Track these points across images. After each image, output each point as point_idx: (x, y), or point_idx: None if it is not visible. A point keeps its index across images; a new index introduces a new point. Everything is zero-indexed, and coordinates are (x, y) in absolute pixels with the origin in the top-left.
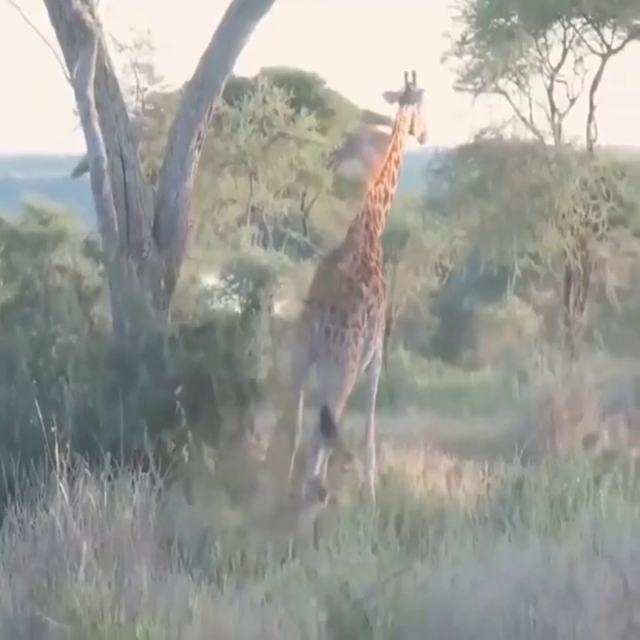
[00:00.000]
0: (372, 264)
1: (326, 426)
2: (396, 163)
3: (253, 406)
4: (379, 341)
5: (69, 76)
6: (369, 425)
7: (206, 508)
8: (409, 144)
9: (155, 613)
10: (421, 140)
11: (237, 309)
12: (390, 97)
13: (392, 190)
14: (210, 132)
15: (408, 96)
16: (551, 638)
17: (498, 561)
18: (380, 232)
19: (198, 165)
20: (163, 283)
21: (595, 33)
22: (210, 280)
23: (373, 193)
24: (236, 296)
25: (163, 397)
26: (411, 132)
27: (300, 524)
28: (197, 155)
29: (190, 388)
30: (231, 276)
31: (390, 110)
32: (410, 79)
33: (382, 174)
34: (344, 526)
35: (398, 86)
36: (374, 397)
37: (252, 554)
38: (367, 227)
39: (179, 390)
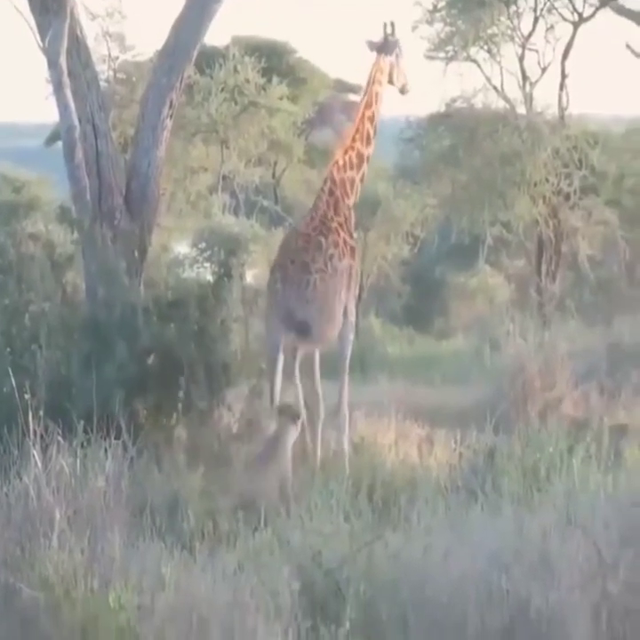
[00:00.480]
0: (334, 225)
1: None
2: (371, 120)
3: (225, 376)
4: (350, 305)
5: (42, 45)
6: (342, 391)
7: (178, 476)
8: (386, 97)
9: (127, 580)
10: (402, 90)
11: (209, 278)
12: (371, 45)
13: (368, 151)
14: (181, 101)
15: (385, 46)
16: (524, 608)
17: (470, 530)
18: (352, 199)
19: (170, 134)
20: (135, 251)
21: (566, 1)
22: (181, 248)
23: (340, 162)
24: (207, 264)
25: (136, 367)
26: (390, 82)
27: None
28: (169, 123)
29: (163, 358)
30: (203, 245)
31: (362, 79)
32: (388, 30)
33: (353, 139)
34: (316, 495)
35: (377, 37)
36: (347, 363)
37: (224, 522)
38: (331, 193)
39: (151, 360)
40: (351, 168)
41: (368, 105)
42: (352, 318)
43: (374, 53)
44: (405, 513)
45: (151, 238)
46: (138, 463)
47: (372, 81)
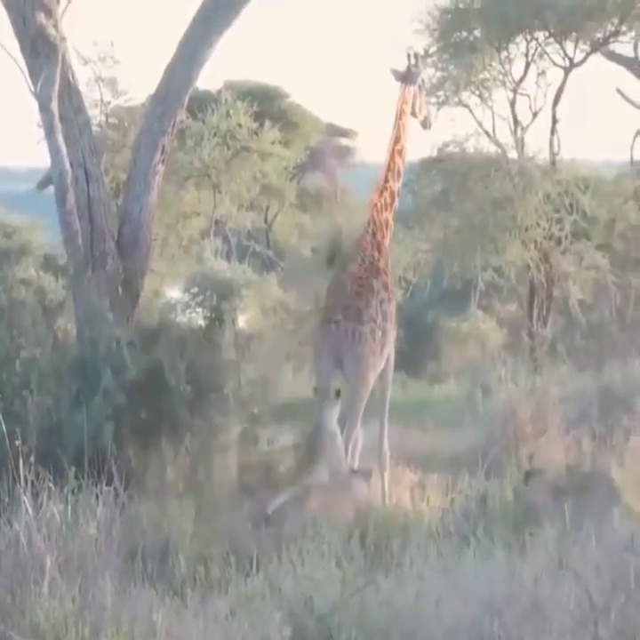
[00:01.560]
0: (381, 265)
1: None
2: (400, 153)
3: (219, 420)
4: (392, 340)
5: (33, 89)
6: (383, 429)
7: (170, 522)
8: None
9: (119, 628)
10: (424, 123)
11: (201, 323)
12: (396, 75)
13: (399, 185)
14: (173, 146)
15: (409, 76)
16: None
17: (462, 576)
18: (387, 241)
19: (162, 178)
20: (127, 296)
21: (557, 46)
22: (174, 293)
23: (379, 204)
24: (199, 309)
25: (124, 399)
26: (413, 114)
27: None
28: (161, 168)
29: (154, 402)
30: (195, 290)
31: (354, 123)
32: (412, 60)
33: (386, 178)
34: (308, 540)
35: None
36: (387, 403)
37: (216, 568)
38: (374, 235)
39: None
40: (386, 209)
41: (397, 139)
42: (393, 357)
43: (398, 84)
44: (397, 558)
45: (143, 283)
46: (129, 509)
47: (398, 114)
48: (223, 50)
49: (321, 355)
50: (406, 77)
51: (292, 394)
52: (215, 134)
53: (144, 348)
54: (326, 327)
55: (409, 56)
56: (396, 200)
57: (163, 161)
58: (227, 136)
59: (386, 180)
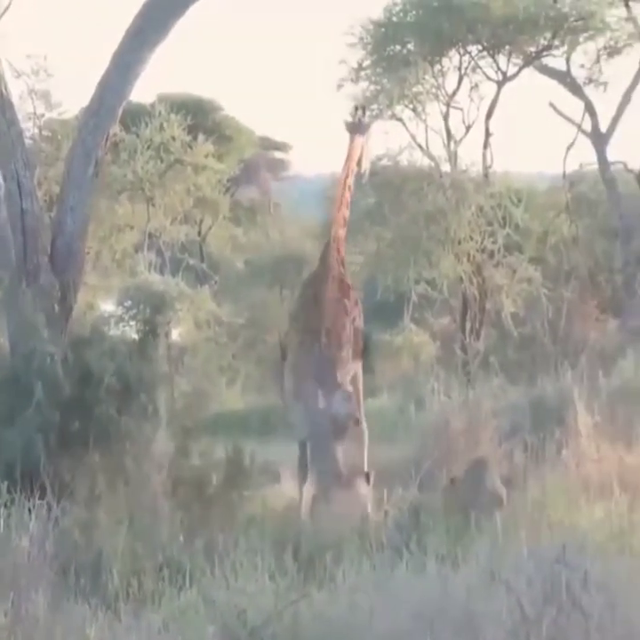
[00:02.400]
0: (348, 281)
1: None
2: (350, 189)
3: (151, 433)
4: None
5: None
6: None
7: (102, 536)
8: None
9: None
10: (364, 175)
11: (135, 335)
12: (347, 125)
13: (347, 214)
14: (107, 159)
15: (360, 127)
16: None
17: (395, 588)
18: (343, 256)
19: (95, 192)
20: (60, 309)
21: (490, 60)
22: (107, 306)
23: (340, 220)
24: (133, 323)
25: (56, 413)
26: (357, 164)
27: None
28: (94, 181)
29: (86, 415)
30: (128, 303)
31: (286, 136)
32: (359, 112)
33: (341, 202)
34: (241, 553)
35: (349, 116)
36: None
37: (149, 581)
38: (338, 251)
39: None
40: (342, 227)
41: (347, 175)
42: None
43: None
44: (331, 571)
45: (76, 296)
46: (62, 522)
47: (350, 157)
48: (157, 62)
49: (306, 377)
50: (357, 128)
51: (224, 406)
52: (149, 147)
53: (76, 361)
54: (310, 350)
55: (356, 108)
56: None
57: (96, 174)
58: (160, 149)
59: (340, 203)
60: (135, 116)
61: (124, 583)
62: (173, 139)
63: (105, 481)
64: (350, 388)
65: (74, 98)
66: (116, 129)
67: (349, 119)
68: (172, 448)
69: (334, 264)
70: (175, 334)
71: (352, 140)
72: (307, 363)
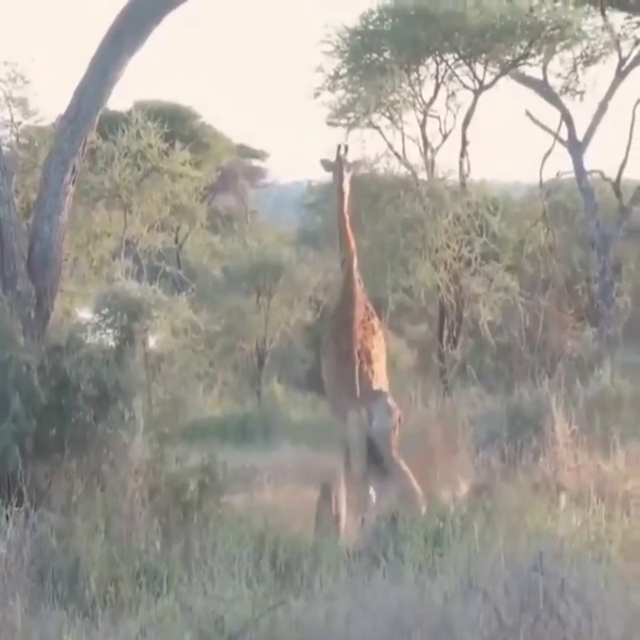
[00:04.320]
0: (370, 305)
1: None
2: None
3: (128, 440)
4: None
5: None
6: None
7: (79, 542)
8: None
9: None
10: None
11: (112, 343)
12: (327, 165)
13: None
14: (84, 166)
15: (348, 166)
16: None
17: (372, 596)
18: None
19: (73, 199)
20: (37, 316)
21: (467, 68)
22: (84, 314)
23: (353, 246)
24: (110, 330)
25: (32, 423)
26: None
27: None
28: (71, 188)
29: (63, 423)
30: (105, 310)
31: (264, 144)
32: (342, 151)
33: (349, 237)
34: (218, 560)
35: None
36: None
37: (126, 588)
38: (359, 280)
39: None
40: (355, 256)
41: (347, 210)
42: None
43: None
44: (308, 578)
45: (53, 303)
46: (40, 529)
47: (345, 193)
48: (134, 70)
49: (346, 390)
50: (343, 166)
51: (202, 413)
52: (126, 155)
53: (53, 369)
54: (350, 365)
55: (339, 146)
56: None
57: (73, 181)
58: (137, 156)
59: (349, 239)
60: (112, 124)
61: (101, 590)
62: (150, 146)
63: (82, 488)
64: (390, 399)
65: (51, 105)
66: (93, 136)
67: (330, 158)
68: (149, 455)
69: (359, 292)
70: (152, 342)
71: (341, 178)
72: (346, 381)
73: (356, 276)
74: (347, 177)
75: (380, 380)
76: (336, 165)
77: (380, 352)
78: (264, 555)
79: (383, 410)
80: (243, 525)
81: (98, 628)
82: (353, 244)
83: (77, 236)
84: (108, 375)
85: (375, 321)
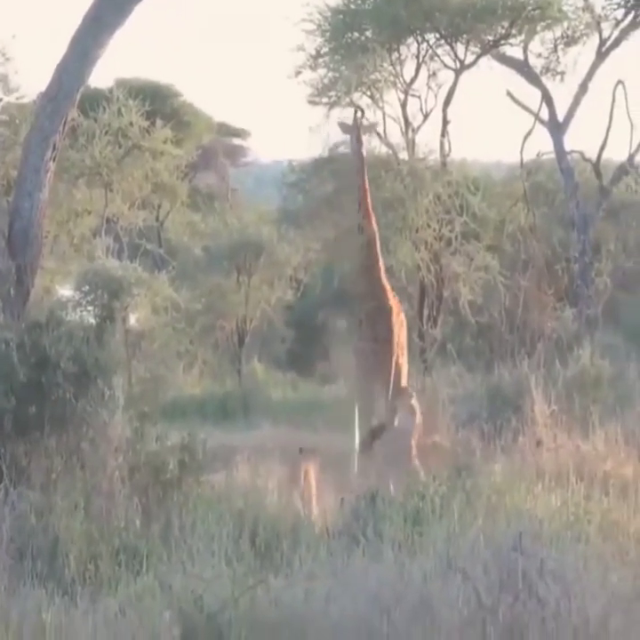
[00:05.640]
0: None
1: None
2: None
3: (108, 418)
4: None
5: None
6: None
7: (59, 520)
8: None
9: (8, 626)
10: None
11: (92, 320)
12: (344, 128)
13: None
14: (65, 144)
15: (363, 127)
16: None
17: (352, 574)
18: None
19: (53, 176)
20: (17, 294)
21: (448, 48)
22: (65, 291)
23: (375, 225)
24: (91, 308)
25: (11, 402)
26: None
27: None
28: (52, 166)
29: (43, 400)
30: (86, 288)
31: (245, 123)
32: (359, 114)
33: (369, 213)
34: (198, 539)
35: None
36: None
37: (106, 567)
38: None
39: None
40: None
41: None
42: None
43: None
44: (288, 557)
45: (34, 280)
46: (19, 507)
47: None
48: (115, 47)
49: (380, 379)
50: (362, 129)
51: (182, 392)
52: (107, 132)
53: (33, 346)
54: (388, 355)
55: (356, 110)
56: None
57: (54, 159)
58: (118, 134)
59: (370, 215)
60: (93, 101)
61: (80, 568)
62: (131, 124)
63: (61, 465)
64: (413, 396)
65: (32, 82)
66: (73, 114)
67: (348, 121)
68: (129, 433)
69: (386, 283)
70: (133, 319)
71: (360, 142)
72: (382, 370)
73: (381, 259)
74: (365, 142)
75: (406, 375)
76: (353, 128)
77: (406, 346)
78: (244, 533)
79: (408, 410)
80: (222, 504)
81: (77, 607)
82: (374, 223)
83: (58, 213)
84: (88, 353)
85: (402, 314)
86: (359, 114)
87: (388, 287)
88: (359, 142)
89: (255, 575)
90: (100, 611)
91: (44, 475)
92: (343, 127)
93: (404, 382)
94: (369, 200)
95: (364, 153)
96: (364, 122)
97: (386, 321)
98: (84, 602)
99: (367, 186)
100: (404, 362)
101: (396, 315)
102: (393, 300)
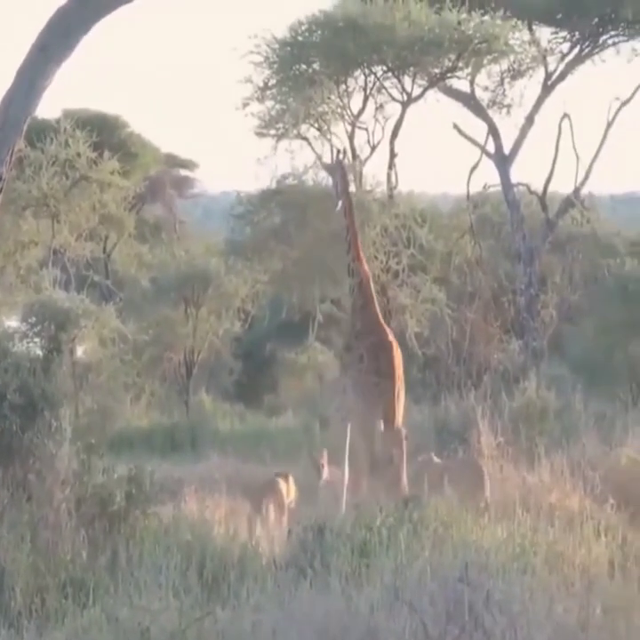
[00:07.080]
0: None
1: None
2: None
3: (55, 449)
4: None
5: None
6: None
7: (5, 553)
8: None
9: None
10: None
11: (39, 352)
12: (327, 168)
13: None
14: (11, 175)
15: (345, 166)
16: None
17: (299, 606)
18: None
19: (0, 208)
20: None
21: (395, 81)
22: (11, 322)
23: (366, 265)
24: (37, 339)
25: None
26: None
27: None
28: None
29: None
30: (33, 319)
31: (193, 154)
32: (342, 155)
33: (358, 248)
34: (145, 571)
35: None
36: None
37: (52, 599)
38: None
39: None
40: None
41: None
42: None
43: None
44: (235, 589)
45: None
46: None
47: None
48: (62, 78)
49: (381, 410)
50: (343, 167)
51: (129, 423)
52: (54, 163)
53: None
54: (390, 389)
55: (339, 151)
56: None
57: (0, 190)
58: (65, 165)
59: (358, 249)
60: (40, 132)
61: (27, 600)
62: (78, 155)
63: (8, 497)
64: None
65: None
66: (20, 144)
67: (330, 161)
68: (76, 465)
69: (379, 312)
70: (80, 351)
71: (345, 182)
72: (384, 402)
73: (375, 298)
74: (347, 177)
75: (403, 407)
76: (338, 169)
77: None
78: (191, 566)
79: (402, 444)
80: (170, 536)
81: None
82: (365, 263)
83: (5, 244)
84: (35, 384)
85: (399, 349)
86: (341, 155)
87: (384, 324)
88: (345, 182)
89: (202, 607)
90: None
91: None
92: (327, 168)
93: (401, 414)
94: (359, 241)
95: (351, 193)
96: (346, 162)
97: (387, 355)
98: (30, 635)
99: (356, 227)
100: (402, 395)
101: (395, 349)
102: (391, 336)
